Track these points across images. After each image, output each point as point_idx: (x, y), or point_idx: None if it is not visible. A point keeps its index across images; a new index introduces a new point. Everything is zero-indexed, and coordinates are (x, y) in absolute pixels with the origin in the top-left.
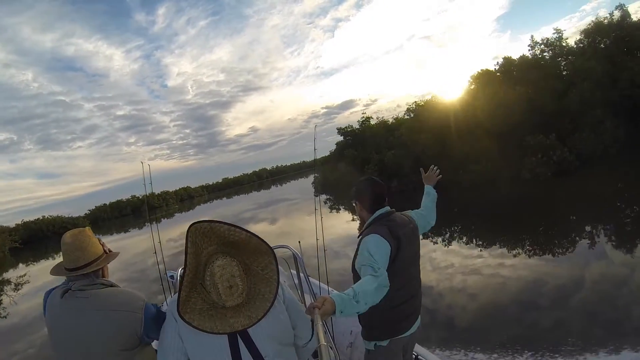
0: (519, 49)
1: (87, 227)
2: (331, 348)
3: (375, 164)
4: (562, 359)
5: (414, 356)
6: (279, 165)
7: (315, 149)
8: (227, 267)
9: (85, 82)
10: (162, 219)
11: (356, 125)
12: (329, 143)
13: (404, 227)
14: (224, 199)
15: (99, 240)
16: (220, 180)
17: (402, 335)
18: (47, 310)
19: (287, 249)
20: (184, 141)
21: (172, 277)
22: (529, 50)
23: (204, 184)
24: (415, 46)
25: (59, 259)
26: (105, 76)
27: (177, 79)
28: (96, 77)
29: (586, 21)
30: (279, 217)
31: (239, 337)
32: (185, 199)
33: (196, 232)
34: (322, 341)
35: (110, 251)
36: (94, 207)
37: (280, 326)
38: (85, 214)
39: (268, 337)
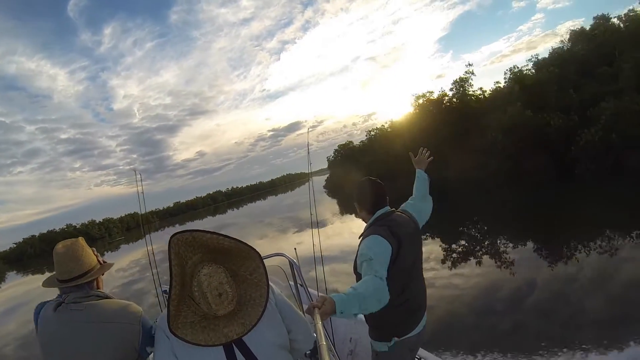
0: (460, 68)
1: (80, 238)
2: (333, 355)
3: None
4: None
5: (417, 359)
6: (235, 187)
7: (309, 163)
8: (214, 275)
9: (28, 103)
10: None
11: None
12: (276, 167)
13: (405, 226)
14: (177, 225)
15: (93, 250)
16: (171, 205)
17: (410, 334)
18: (39, 325)
19: (283, 257)
20: (131, 166)
21: (165, 291)
22: None
23: (154, 209)
24: (361, 67)
25: None
26: (49, 97)
27: (123, 102)
28: (39, 97)
29: (522, 40)
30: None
31: (234, 346)
32: (133, 227)
33: (178, 242)
34: (322, 341)
35: (104, 262)
36: (21, 240)
37: (275, 330)
38: (11, 248)
39: (264, 343)
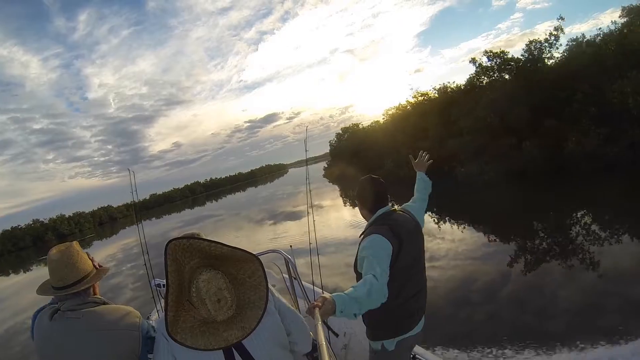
0: (439, 63)
1: (75, 242)
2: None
3: None
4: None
5: (411, 356)
6: (213, 177)
7: (306, 150)
8: (213, 281)
9: None
10: None
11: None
12: (253, 158)
13: (406, 225)
14: (153, 219)
15: (88, 255)
16: (147, 197)
17: (409, 334)
18: (35, 333)
19: (278, 254)
20: (106, 158)
21: (158, 285)
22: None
23: (129, 202)
24: (339, 60)
25: None
26: (21, 85)
27: (98, 91)
28: (10, 86)
29: (501, 38)
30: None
31: (234, 349)
32: (106, 221)
33: (175, 248)
34: (323, 341)
35: (100, 266)
36: None
37: (274, 333)
38: None
39: (263, 346)
